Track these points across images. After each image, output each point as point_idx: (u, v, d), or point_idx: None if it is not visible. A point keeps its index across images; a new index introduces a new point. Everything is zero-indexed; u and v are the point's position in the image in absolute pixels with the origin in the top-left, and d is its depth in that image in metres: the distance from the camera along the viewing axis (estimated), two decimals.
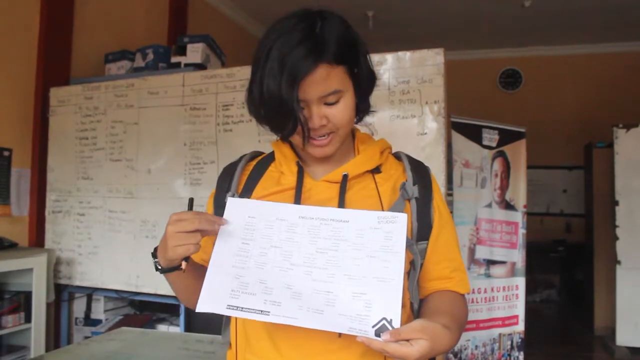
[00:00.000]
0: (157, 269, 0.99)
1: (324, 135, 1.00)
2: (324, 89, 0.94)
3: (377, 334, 0.84)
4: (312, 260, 0.93)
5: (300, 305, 0.88)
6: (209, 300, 0.91)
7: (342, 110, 0.98)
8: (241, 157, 1.16)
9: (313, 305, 0.88)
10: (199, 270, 1.07)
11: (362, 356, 0.96)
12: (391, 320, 0.86)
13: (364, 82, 1.02)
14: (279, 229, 0.96)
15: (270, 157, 1.13)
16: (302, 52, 0.91)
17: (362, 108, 1.07)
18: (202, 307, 0.90)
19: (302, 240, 0.95)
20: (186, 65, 3.17)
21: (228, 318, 1.11)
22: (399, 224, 0.94)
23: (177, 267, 0.96)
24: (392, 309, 0.87)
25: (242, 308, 0.89)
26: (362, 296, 0.88)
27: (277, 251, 0.95)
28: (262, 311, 0.87)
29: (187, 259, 0.95)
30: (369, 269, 0.91)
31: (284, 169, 1.08)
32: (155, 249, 0.99)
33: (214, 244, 0.97)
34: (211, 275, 0.94)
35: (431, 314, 0.98)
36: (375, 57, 2.43)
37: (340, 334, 0.94)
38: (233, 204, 1.01)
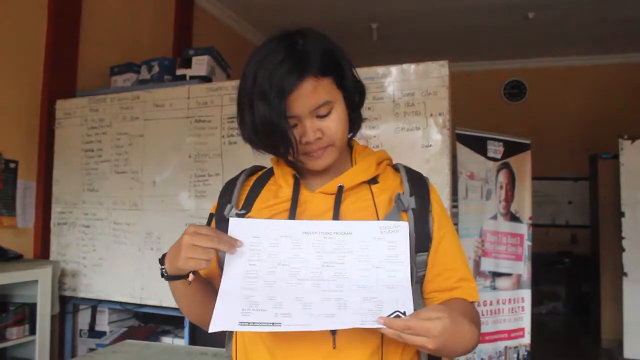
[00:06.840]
0: (162, 276, 1.00)
1: (320, 149, 1.01)
2: (313, 102, 0.96)
3: None
4: (320, 274, 0.94)
5: (311, 313, 0.88)
6: (221, 321, 0.90)
7: (335, 121, 0.99)
8: (241, 172, 1.18)
9: (324, 312, 0.88)
10: (203, 284, 1.07)
11: None
12: (404, 312, 0.86)
13: (352, 93, 1.04)
14: (284, 246, 0.97)
15: (270, 172, 1.14)
16: (286, 68, 0.93)
17: (355, 120, 1.08)
18: (214, 327, 0.90)
19: (307, 256, 0.96)
20: (191, 77, 3.19)
21: (230, 333, 1.11)
22: (401, 233, 0.96)
23: (184, 277, 0.97)
24: (404, 304, 0.88)
25: (254, 323, 0.88)
26: (372, 299, 0.89)
27: (285, 269, 0.95)
28: (273, 323, 0.88)
29: (195, 271, 0.96)
30: (377, 279, 0.93)
31: (281, 182, 1.09)
32: (163, 256, 0.99)
33: (221, 267, 0.98)
34: (221, 299, 0.93)
35: None
36: (379, 70, 2.48)
37: (335, 346, 0.94)
38: (235, 224, 1.00)
